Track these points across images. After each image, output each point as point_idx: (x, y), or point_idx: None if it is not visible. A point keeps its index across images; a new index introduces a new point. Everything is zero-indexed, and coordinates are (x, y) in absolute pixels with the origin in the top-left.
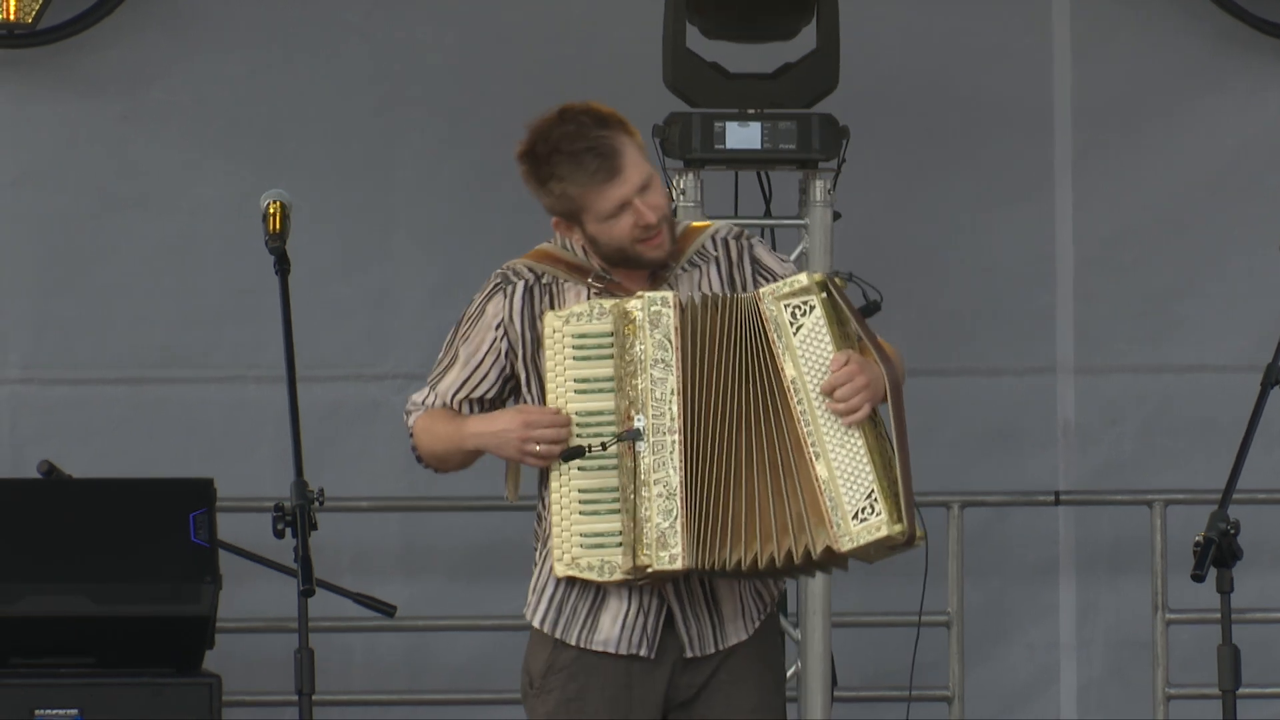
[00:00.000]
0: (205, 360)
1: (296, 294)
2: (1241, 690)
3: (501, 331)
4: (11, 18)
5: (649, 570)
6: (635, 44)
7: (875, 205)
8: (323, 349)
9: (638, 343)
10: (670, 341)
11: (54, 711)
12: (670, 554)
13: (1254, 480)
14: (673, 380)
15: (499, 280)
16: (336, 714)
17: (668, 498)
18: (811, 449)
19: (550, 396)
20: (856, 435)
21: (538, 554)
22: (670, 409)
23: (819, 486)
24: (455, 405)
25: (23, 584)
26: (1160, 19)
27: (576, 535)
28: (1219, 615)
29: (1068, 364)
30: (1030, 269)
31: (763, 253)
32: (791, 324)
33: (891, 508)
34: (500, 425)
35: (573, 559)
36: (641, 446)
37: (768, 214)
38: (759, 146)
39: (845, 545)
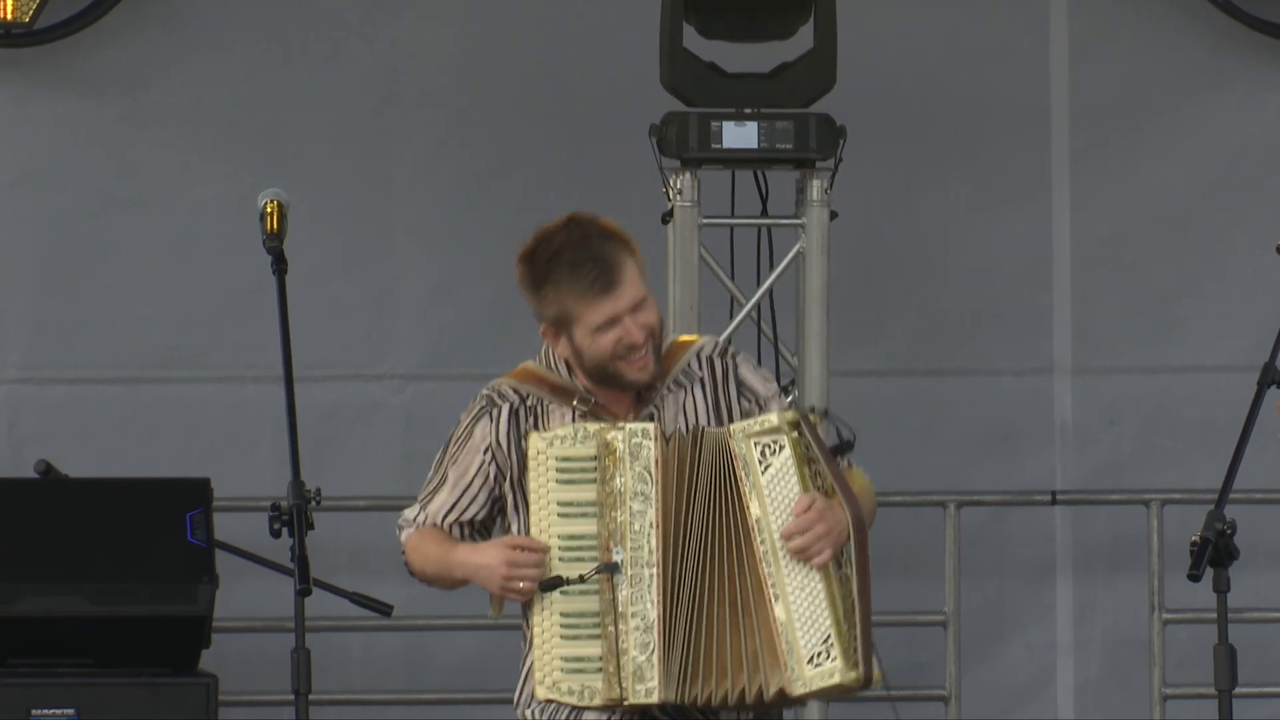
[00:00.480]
0: (204, 360)
1: (296, 294)
2: (1238, 690)
3: (489, 455)
4: (9, 17)
5: (625, 703)
6: (633, 43)
7: (872, 205)
8: (322, 349)
9: (618, 475)
10: (650, 474)
11: (51, 711)
12: (646, 688)
13: (1251, 480)
14: (652, 513)
15: (485, 403)
16: (333, 713)
17: (644, 631)
18: (771, 590)
19: (534, 519)
20: (817, 578)
21: (525, 653)
22: (649, 542)
23: (776, 628)
24: (446, 527)
25: (20, 584)
26: (1158, 19)
27: (558, 659)
28: (1216, 615)
29: (1065, 364)
30: (1028, 269)
31: (747, 372)
32: (760, 463)
33: (848, 652)
34: (484, 559)
35: (554, 683)
36: (619, 579)
37: (764, 213)
38: (756, 146)
39: (798, 689)
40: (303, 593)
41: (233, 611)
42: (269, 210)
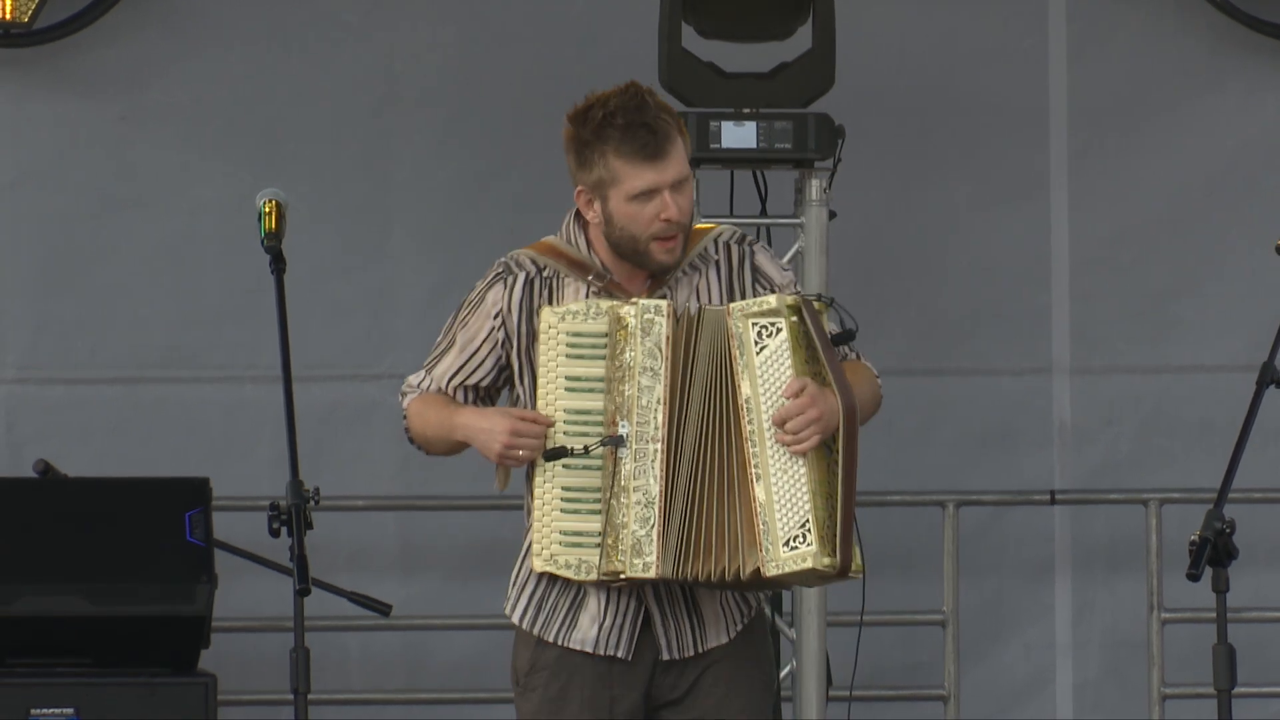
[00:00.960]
0: (203, 360)
1: (294, 294)
2: (1237, 689)
3: (499, 321)
4: (8, 17)
5: (622, 576)
6: (631, 43)
7: (871, 205)
8: (320, 349)
9: (628, 349)
10: (660, 350)
11: (50, 711)
12: (644, 562)
13: (1250, 479)
14: (660, 389)
15: (501, 270)
16: (332, 713)
17: (646, 505)
18: (755, 470)
19: (541, 391)
20: (800, 463)
21: (521, 553)
22: (655, 418)
23: (755, 508)
24: (450, 391)
25: (19, 584)
26: (1157, 19)
27: (557, 533)
28: (1214, 614)
29: (1064, 364)
30: (1027, 269)
31: (764, 260)
32: (756, 344)
33: (825, 538)
34: (488, 424)
35: (551, 555)
36: (623, 453)
37: (763, 213)
38: (755, 146)
39: (771, 570)
40: (302, 592)
41: (232, 611)
42: (268, 210)
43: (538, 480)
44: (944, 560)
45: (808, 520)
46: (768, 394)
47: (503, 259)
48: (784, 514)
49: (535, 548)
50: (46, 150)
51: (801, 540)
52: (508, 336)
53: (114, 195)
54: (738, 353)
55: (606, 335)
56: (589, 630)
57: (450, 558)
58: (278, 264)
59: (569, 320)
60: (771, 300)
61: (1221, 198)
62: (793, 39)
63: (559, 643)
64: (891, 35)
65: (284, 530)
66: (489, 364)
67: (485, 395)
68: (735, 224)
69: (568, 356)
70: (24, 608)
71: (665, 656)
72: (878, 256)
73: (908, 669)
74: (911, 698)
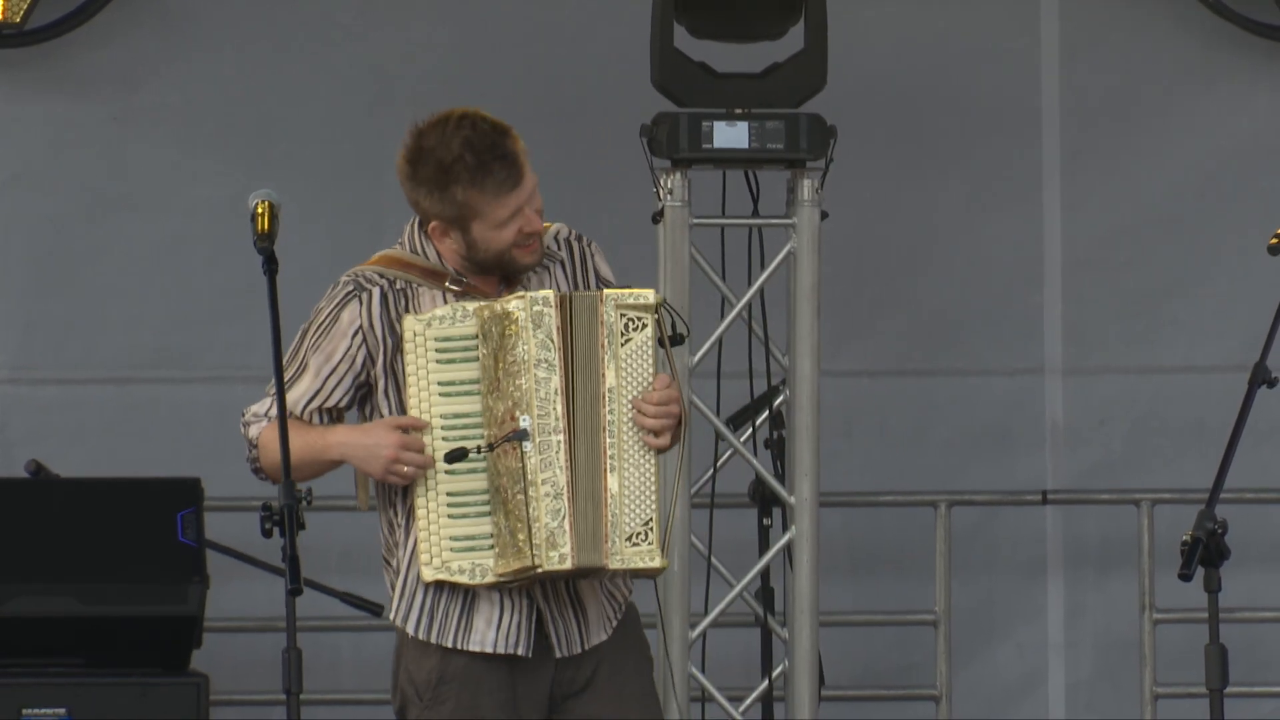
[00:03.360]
0: (196, 361)
1: (287, 294)
2: (1229, 689)
3: (359, 339)
4: (0, 17)
5: (539, 570)
6: (623, 43)
7: (863, 205)
8: None
9: (520, 343)
10: (553, 341)
11: (42, 711)
12: (560, 553)
13: (1242, 479)
14: (556, 380)
15: (352, 287)
16: (324, 713)
17: (555, 497)
18: (609, 461)
19: (412, 400)
20: (651, 460)
21: (395, 560)
22: (555, 409)
23: (606, 499)
24: (305, 416)
25: (11, 584)
26: (1149, 20)
27: (446, 539)
28: (1207, 614)
29: (1056, 364)
30: (1019, 270)
31: (602, 263)
32: (622, 335)
33: (661, 540)
34: (370, 439)
35: (442, 563)
36: (528, 446)
37: (755, 213)
38: (746, 146)
39: (614, 564)
40: (294, 592)
41: (224, 611)
42: (260, 211)
43: (419, 489)
44: (936, 560)
45: (651, 519)
46: (628, 385)
47: (347, 277)
48: (631, 509)
49: (423, 557)
50: (38, 150)
51: (643, 538)
52: (370, 353)
53: (106, 196)
54: (605, 341)
55: (476, 337)
56: (486, 633)
57: None
58: (270, 265)
59: (435, 325)
60: (649, 295)
61: (1214, 198)
62: (785, 39)
63: (458, 647)
64: (884, 35)
65: (276, 530)
66: (346, 383)
67: (337, 418)
68: (728, 224)
69: (438, 362)
70: (16, 608)
71: (559, 654)
72: (870, 257)
73: (900, 669)
74: (904, 698)
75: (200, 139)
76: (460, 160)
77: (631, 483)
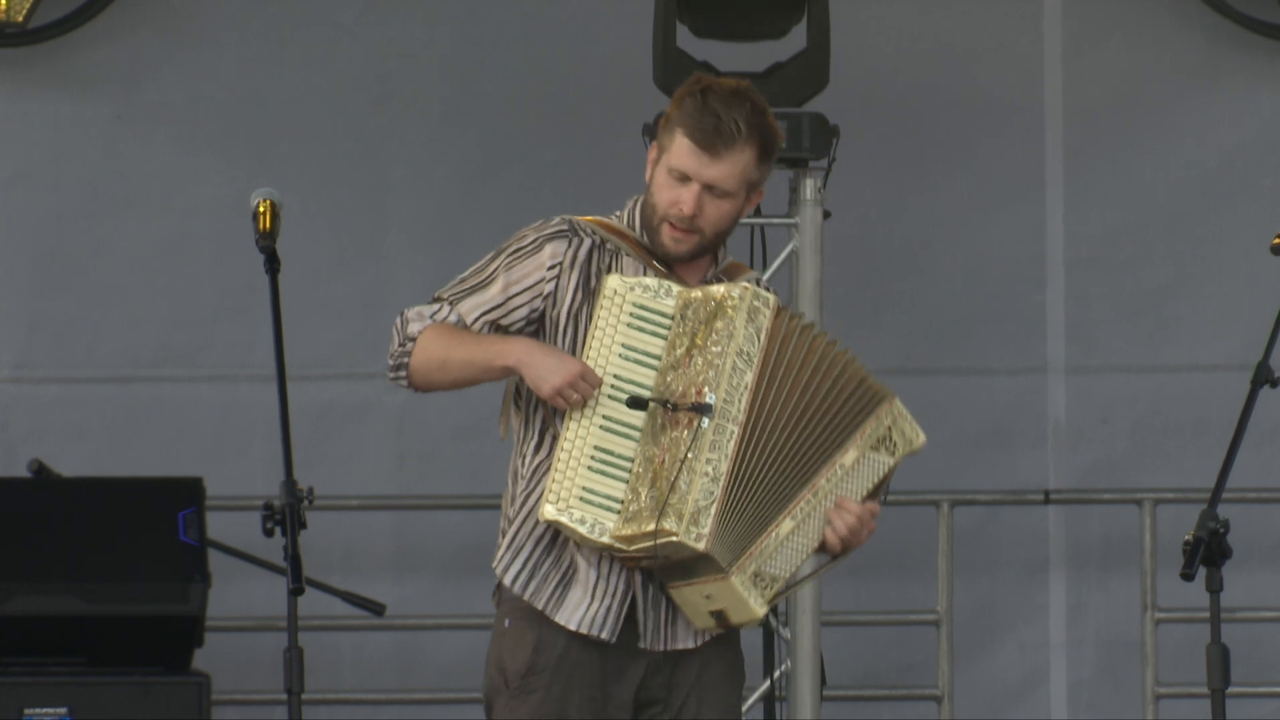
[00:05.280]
0: (197, 359)
1: (289, 293)
2: (1231, 689)
3: (554, 274)
4: (2, 16)
5: (672, 538)
6: (626, 43)
7: (866, 204)
8: (315, 348)
9: (730, 325)
10: (759, 340)
11: (44, 710)
12: (698, 532)
13: (1244, 479)
14: (750, 376)
15: (566, 227)
16: (326, 713)
17: (713, 480)
18: (800, 508)
19: (591, 352)
20: (817, 541)
21: (511, 510)
22: (740, 400)
23: (771, 531)
24: (476, 327)
25: (12, 583)
26: (1152, 19)
27: (579, 487)
28: (1209, 614)
29: (1059, 363)
30: (1021, 268)
31: None
32: (876, 444)
33: (772, 599)
34: (556, 359)
35: (566, 505)
36: (706, 422)
37: (758, 213)
38: None
39: (735, 581)
40: (295, 592)
41: (225, 611)
42: (261, 209)
43: (569, 429)
44: (938, 560)
45: (783, 578)
46: (852, 482)
47: (563, 218)
48: (780, 558)
49: (550, 495)
50: (41, 149)
51: (767, 585)
52: (556, 292)
53: (108, 194)
54: (858, 431)
55: (672, 318)
56: (576, 609)
57: (444, 558)
58: (272, 263)
59: (637, 292)
60: (921, 438)
61: (1217, 197)
62: (787, 38)
63: (547, 613)
64: (886, 34)
65: (278, 530)
66: (523, 311)
67: None
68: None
69: (629, 326)
70: (17, 607)
71: (642, 644)
72: (872, 256)
73: (902, 669)
74: (905, 697)
75: (202, 138)
76: (702, 96)
77: (796, 542)
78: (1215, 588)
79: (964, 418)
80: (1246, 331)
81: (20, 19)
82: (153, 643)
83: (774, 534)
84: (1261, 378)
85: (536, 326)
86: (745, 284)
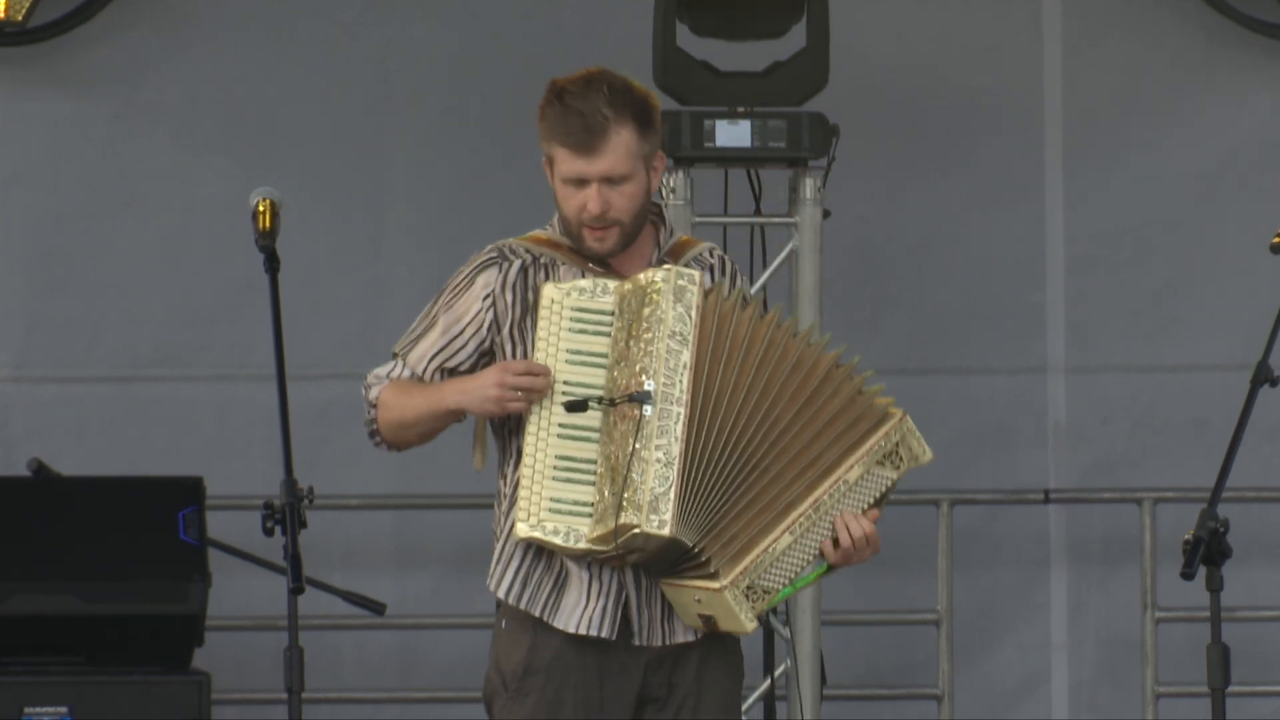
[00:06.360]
0: (197, 359)
1: (288, 292)
2: (1231, 688)
3: (489, 303)
4: (2, 15)
5: (635, 530)
6: (625, 42)
7: (865, 204)
8: (315, 347)
9: (657, 309)
10: (690, 317)
11: (44, 709)
12: (660, 519)
13: (1244, 478)
14: (687, 355)
15: (494, 255)
16: (326, 712)
17: (666, 465)
18: (799, 522)
19: (538, 360)
20: (816, 553)
21: (499, 528)
22: (681, 381)
23: (766, 545)
24: (428, 375)
25: (12, 582)
26: (1152, 18)
27: (546, 500)
28: (1209, 613)
29: (1059, 362)
30: (1021, 268)
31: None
32: (882, 459)
33: (763, 610)
34: (480, 379)
35: (539, 520)
36: (648, 410)
37: (757, 212)
38: (749, 145)
39: (725, 581)
40: (295, 591)
41: (225, 610)
42: (261, 209)
43: (529, 445)
44: (938, 559)
45: (776, 591)
46: (855, 497)
47: (493, 246)
48: (775, 570)
49: (520, 514)
50: (40, 149)
51: (759, 596)
52: (496, 319)
53: (107, 194)
54: (852, 444)
55: (613, 314)
56: (572, 613)
57: (444, 557)
58: (272, 263)
59: (574, 296)
60: (929, 455)
61: (1216, 196)
62: (787, 37)
63: (545, 619)
64: (886, 33)
65: (278, 529)
66: (471, 346)
67: None
68: (731, 223)
69: (570, 331)
70: (17, 606)
71: (638, 642)
72: (872, 255)
73: (902, 668)
74: (906, 697)
75: (201, 137)
76: (558, 98)
77: (793, 557)
78: (1215, 587)
79: (964, 417)
80: (1246, 331)
81: (19, 18)
82: (153, 642)
83: (771, 548)
84: (1261, 377)
85: (489, 359)
86: (668, 266)
